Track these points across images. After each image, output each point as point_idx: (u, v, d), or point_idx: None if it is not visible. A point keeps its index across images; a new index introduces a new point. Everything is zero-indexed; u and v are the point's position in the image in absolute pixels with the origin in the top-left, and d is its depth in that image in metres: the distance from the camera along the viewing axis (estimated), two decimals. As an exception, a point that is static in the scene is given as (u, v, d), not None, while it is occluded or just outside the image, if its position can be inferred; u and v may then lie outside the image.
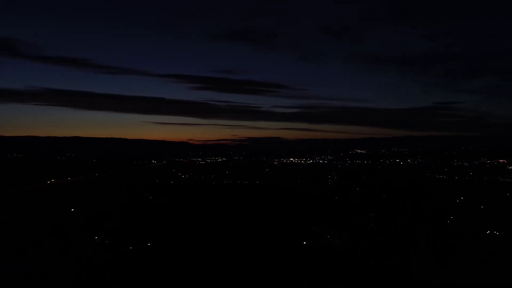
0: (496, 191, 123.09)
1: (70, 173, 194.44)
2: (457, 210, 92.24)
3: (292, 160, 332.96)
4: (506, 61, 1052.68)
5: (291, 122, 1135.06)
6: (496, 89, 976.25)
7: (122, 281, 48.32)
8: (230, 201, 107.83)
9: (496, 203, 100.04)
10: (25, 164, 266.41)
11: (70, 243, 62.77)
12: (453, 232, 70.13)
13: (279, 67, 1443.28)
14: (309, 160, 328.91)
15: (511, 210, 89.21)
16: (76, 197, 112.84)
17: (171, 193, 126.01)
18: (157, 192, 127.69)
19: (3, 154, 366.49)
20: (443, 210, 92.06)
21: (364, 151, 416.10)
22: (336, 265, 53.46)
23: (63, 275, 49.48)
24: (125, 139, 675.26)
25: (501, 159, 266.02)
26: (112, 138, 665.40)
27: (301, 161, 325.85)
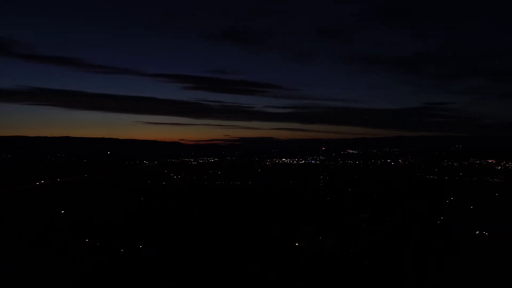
0: (485, 191, 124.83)
1: (61, 174, 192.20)
2: (447, 210, 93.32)
3: (285, 161, 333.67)
4: (496, 63, 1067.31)
5: (283, 122, 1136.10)
6: (486, 90, 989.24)
7: (114, 284, 47.99)
8: (223, 202, 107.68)
9: (485, 203, 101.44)
10: (15, 165, 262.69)
11: (61, 246, 62.10)
12: (443, 233, 71.00)
13: (271, 67, 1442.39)
14: (301, 161, 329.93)
15: (500, 211, 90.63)
16: (67, 198, 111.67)
17: (163, 194, 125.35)
18: (149, 193, 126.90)
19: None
20: (434, 210, 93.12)
21: (356, 151, 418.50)
22: (329, 265, 53.75)
23: (54, 277, 48.99)
24: (117, 139, 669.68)
25: (490, 159, 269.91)
26: (103, 138, 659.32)
27: (293, 161, 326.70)
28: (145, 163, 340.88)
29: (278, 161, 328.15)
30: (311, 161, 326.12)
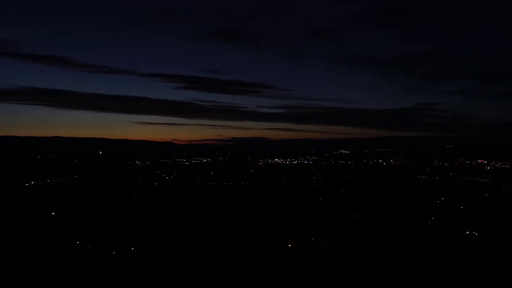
0: (475, 191, 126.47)
1: (51, 175, 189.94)
2: (438, 211, 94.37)
3: (277, 161, 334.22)
4: (486, 64, 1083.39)
5: (276, 122, 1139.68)
6: (476, 91, 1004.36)
7: (105, 286, 47.65)
8: (215, 203, 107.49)
9: (474, 204, 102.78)
10: (4, 166, 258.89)
11: (51, 248, 61.39)
12: (434, 234, 71.80)
13: (264, 68, 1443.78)
14: (294, 161, 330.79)
15: (489, 211, 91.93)
16: (57, 200, 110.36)
17: (155, 195, 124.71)
18: (141, 194, 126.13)
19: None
20: (425, 211, 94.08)
21: (348, 152, 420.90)
22: (321, 267, 53.95)
23: (44, 280, 48.46)
24: (108, 139, 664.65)
25: (479, 159, 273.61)
26: (94, 138, 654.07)
27: (286, 161, 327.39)
28: (137, 163, 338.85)
29: (271, 161, 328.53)
30: (303, 161, 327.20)
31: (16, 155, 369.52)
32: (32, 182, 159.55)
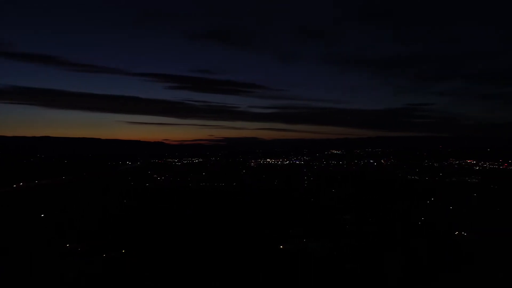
0: (464, 192, 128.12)
1: (40, 175, 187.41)
2: (428, 211, 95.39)
3: (269, 161, 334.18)
4: (475, 65, 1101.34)
5: (268, 122, 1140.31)
6: (465, 92, 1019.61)
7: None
8: (207, 205, 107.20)
9: (464, 204, 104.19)
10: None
11: (40, 251, 60.56)
12: (424, 234, 72.52)
13: (256, 68, 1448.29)
14: (286, 161, 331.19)
15: (478, 211, 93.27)
16: (46, 201, 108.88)
17: (147, 197, 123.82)
18: (132, 196, 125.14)
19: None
20: (415, 211, 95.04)
21: (339, 152, 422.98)
22: (313, 268, 54.11)
23: (35, 283, 47.80)
24: (99, 139, 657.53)
25: (468, 160, 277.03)
26: (84, 138, 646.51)
27: (278, 161, 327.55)
28: (128, 163, 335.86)
29: (263, 162, 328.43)
30: (295, 162, 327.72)
31: (4, 155, 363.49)
32: (21, 183, 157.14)
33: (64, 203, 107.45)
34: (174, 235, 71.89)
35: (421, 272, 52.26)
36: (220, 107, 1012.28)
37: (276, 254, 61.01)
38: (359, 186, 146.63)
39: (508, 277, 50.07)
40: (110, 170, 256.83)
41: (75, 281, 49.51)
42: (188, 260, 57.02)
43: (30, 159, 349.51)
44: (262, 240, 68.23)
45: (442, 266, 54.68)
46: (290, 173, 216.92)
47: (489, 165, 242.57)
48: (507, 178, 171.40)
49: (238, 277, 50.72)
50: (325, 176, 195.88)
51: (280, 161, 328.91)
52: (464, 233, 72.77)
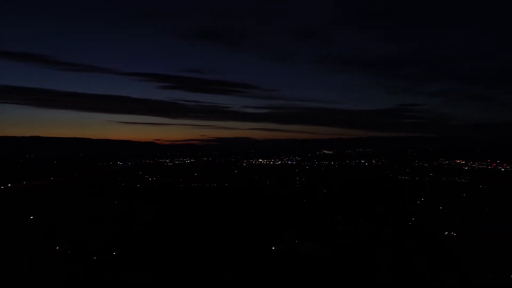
0: (453, 192, 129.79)
1: (29, 176, 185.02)
2: (418, 211, 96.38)
3: (261, 161, 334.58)
4: (465, 66, 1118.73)
5: (260, 123, 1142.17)
6: (456, 93, 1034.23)
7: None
8: (199, 206, 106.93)
9: (453, 204, 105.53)
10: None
11: (29, 254, 59.76)
12: (414, 234, 73.28)
13: (249, 68, 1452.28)
14: (278, 161, 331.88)
15: (466, 211, 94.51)
16: (36, 203, 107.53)
17: (138, 198, 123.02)
18: (123, 197, 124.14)
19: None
20: (405, 212, 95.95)
21: (331, 152, 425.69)
22: (304, 270, 54.32)
23: (25, 286, 47.22)
24: (89, 139, 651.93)
25: (458, 160, 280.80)
26: (75, 138, 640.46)
27: (270, 162, 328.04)
28: (119, 164, 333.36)
29: (255, 162, 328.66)
30: (287, 162, 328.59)
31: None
32: (9, 185, 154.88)
33: (53, 205, 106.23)
34: (165, 237, 71.54)
35: (411, 273, 52.78)
36: (213, 107, 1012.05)
37: (268, 255, 61.09)
38: (351, 187, 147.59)
39: (495, 276, 50.87)
40: (100, 171, 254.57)
41: (64, 284, 48.97)
42: (178, 262, 56.80)
43: (19, 159, 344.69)
44: (254, 241, 68.25)
45: (431, 266, 55.30)
46: (282, 173, 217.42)
47: (478, 165, 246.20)
48: (495, 178, 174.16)
49: (229, 279, 50.68)
50: (317, 177, 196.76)
51: (272, 161, 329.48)
52: (454, 233, 73.73)
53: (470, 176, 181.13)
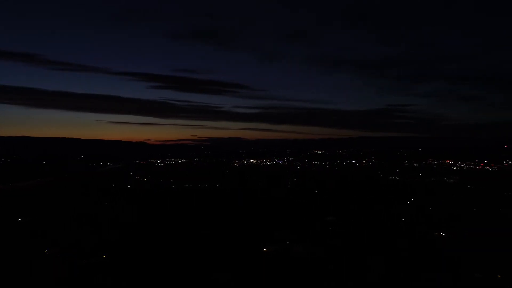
0: (442, 192, 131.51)
1: (17, 177, 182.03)
2: (408, 212, 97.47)
3: (253, 162, 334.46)
4: (455, 67, 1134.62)
5: (251, 123, 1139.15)
6: (446, 93, 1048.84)
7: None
8: (190, 207, 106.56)
9: (441, 204, 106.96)
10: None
11: (17, 257, 58.84)
12: (404, 235, 74.12)
13: (240, 68, 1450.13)
14: (269, 162, 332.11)
15: (455, 212, 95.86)
16: (23, 205, 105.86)
17: (128, 199, 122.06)
18: (113, 198, 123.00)
19: None
20: (395, 212, 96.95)
21: (322, 152, 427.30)
22: (295, 272, 54.54)
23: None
24: (78, 139, 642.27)
25: (447, 160, 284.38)
26: (64, 138, 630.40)
27: (261, 162, 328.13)
28: (109, 164, 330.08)
29: (246, 162, 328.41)
30: (278, 162, 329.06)
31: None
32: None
33: (42, 206, 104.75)
34: (156, 239, 71.16)
35: (401, 273, 53.37)
36: (204, 107, 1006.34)
37: (260, 257, 61.15)
38: (342, 187, 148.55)
39: (484, 276, 51.70)
40: (90, 172, 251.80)
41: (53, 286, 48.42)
42: (168, 265, 56.56)
43: (7, 160, 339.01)
44: (245, 242, 68.27)
45: (421, 266, 55.96)
46: (274, 174, 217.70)
47: (466, 165, 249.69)
48: (483, 178, 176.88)
49: (222, 280, 50.64)
50: (308, 177, 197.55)
51: (264, 162, 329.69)
52: (442, 233, 74.75)
53: (459, 176, 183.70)
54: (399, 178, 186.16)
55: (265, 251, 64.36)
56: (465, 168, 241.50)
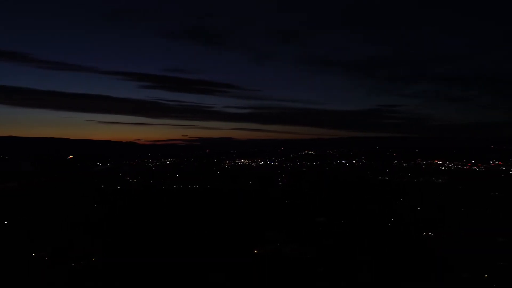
0: (431, 192, 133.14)
1: (3, 178, 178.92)
2: (397, 212, 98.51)
3: (244, 162, 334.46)
4: (444, 68, 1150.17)
5: (242, 123, 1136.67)
6: (435, 94, 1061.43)
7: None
8: (181, 208, 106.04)
9: (430, 204, 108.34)
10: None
11: (3, 260, 57.86)
12: (393, 235, 74.87)
13: (231, 68, 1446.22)
14: (260, 162, 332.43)
15: (443, 212, 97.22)
16: (10, 207, 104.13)
17: (118, 200, 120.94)
18: (102, 200, 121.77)
19: None
20: (385, 212, 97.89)
21: (312, 152, 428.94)
22: (287, 271, 54.72)
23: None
24: (67, 139, 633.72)
25: (435, 160, 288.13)
26: (52, 138, 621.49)
27: (252, 162, 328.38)
28: (99, 165, 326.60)
29: (237, 163, 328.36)
30: (269, 162, 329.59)
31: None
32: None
33: (29, 208, 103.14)
34: (147, 240, 70.65)
35: (391, 273, 53.91)
36: (194, 106, 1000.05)
37: (250, 258, 61.14)
38: (332, 187, 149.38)
39: (471, 276, 52.51)
40: (79, 172, 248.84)
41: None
42: (159, 266, 56.20)
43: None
44: (236, 244, 68.20)
45: (410, 266, 56.57)
46: (265, 174, 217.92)
47: (454, 165, 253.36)
48: (470, 178, 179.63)
49: (215, 280, 50.54)
50: (299, 177, 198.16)
51: (255, 162, 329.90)
52: (431, 233, 75.71)
53: (447, 176, 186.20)
54: (388, 178, 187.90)
55: (256, 252, 64.39)
56: (453, 168, 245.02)
